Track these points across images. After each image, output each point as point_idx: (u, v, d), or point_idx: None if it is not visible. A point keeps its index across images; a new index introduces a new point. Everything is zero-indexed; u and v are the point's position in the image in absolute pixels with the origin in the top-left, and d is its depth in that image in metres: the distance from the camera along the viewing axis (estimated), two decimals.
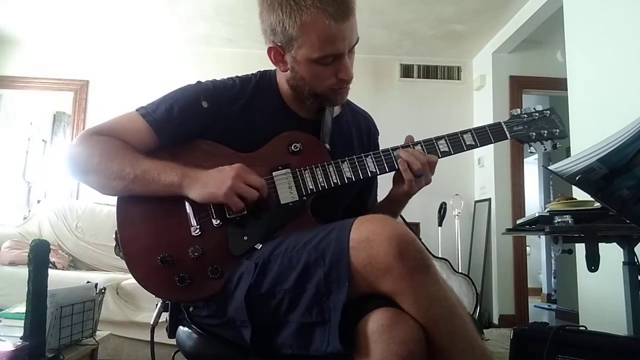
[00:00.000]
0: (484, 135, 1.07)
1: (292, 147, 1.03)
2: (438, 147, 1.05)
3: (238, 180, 0.93)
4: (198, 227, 0.95)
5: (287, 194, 1.00)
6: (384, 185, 1.26)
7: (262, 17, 1.00)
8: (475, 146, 1.06)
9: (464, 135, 1.06)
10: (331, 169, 1.02)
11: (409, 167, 1.01)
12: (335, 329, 0.75)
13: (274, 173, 1.01)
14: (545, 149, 1.11)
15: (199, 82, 1.08)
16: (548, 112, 1.10)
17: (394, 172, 1.06)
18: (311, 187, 1.00)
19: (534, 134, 1.08)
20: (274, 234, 0.96)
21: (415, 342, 0.73)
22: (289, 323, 0.82)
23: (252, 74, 1.12)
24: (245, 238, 0.95)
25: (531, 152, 1.11)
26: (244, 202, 0.94)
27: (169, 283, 0.92)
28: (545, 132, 1.08)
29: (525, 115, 1.09)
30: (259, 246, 0.94)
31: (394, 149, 1.05)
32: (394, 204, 1.13)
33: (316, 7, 0.92)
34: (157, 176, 0.94)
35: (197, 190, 0.94)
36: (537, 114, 1.10)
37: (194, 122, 1.02)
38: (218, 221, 0.96)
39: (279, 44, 0.99)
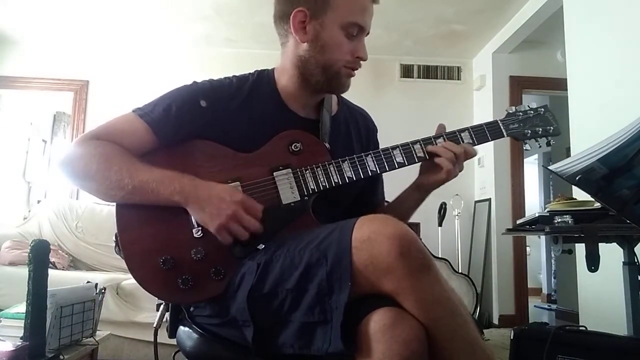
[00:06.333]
0: (482, 133, 1.08)
1: (292, 147, 1.03)
2: (436, 145, 1.05)
3: (232, 220, 0.91)
4: (200, 228, 0.95)
5: (288, 194, 0.99)
6: (387, 185, 1.26)
7: None
8: (473, 144, 1.07)
9: (462, 134, 1.07)
10: (332, 168, 1.02)
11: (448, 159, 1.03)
12: (337, 328, 0.75)
13: (275, 173, 1.01)
14: (540, 146, 1.13)
15: (195, 82, 1.07)
16: (542, 109, 1.12)
17: (420, 164, 1.08)
18: (312, 187, 1.00)
19: (529, 131, 1.10)
20: (276, 235, 0.95)
21: (417, 341, 0.73)
22: (291, 323, 0.82)
23: (250, 73, 1.12)
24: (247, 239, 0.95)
25: (526, 150, 1.13)
26: (232, 238, 0.93)
27: (171, 285, 0.92)
28: (540, 129, 1.10)
29: (520, 113, 1.11)
30: (261, 247, 0.93)
31: (394, 147, 1.05)
32: (419, 198, 1.13)
33: None
34: (155, 188, 0.93)
35: (194, 211, 0.93)
36: (531, 112, 1.11)
37: (192, 121, 1.02)
38: None
39: (308, 10, 1.01)
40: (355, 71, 1.07)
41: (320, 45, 1.02)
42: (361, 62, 1.06)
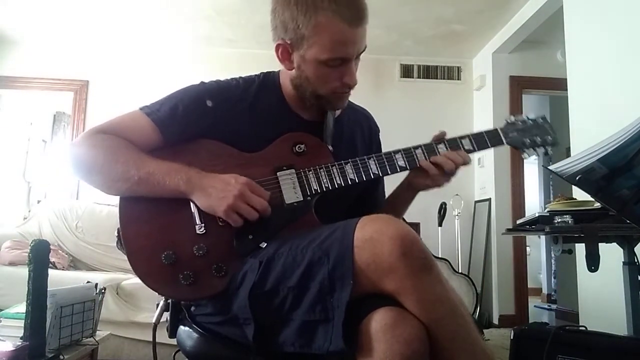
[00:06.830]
0: (482, 141, 1.09)
1: (296, 148, 1.04)
2: (438, 151, 1.07)
3: (240, 200, 0.92)
4: (203, 225, 0.95)
5: (291, 194, 1.00)
6: (389, 186, 1.26)
7: (274, 13, 1.01)
8: (474, 151, 1.09)
9: (463, 140, 1.08)
10: (335, 170, 1.03)
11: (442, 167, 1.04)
12: (339, 327, 0.75)
13: (278, 173, 1.02)
14: (538, 156, 1.15)
15: (202, 82, 1.08)
16: (541, 119, 1.14)
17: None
18: (315, 188, 1.01)
19: (528, 140, 1.11)
20: (279, 233, 0.96)
21: (418, 341, 0.73)
22: (292, 321, 0.82)
23: (256, 75, 1.13)
24: (250, 237, 0.95)
25: (524, 158, 1.14)
26: (242, 220, 0.94)
27: (172, 281, 0.92)
28: (539, 139, 1.12)
29: (519, 123, 1.12)
30: (263, 245, 0.94)
31: (396, 152, 1.06)
32: (410, 195, 1.14)
33: (332, 9, 0.93)
34: (161, 179, 0.94)
35: (200, 198, 0.94)
36: (530, 122, 1.13)
37: (198, 121, 1.03)
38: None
39: (288, 42, 0.99)
40: (348, 92, 1.05)
41: (305, 77, 1.02)
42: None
